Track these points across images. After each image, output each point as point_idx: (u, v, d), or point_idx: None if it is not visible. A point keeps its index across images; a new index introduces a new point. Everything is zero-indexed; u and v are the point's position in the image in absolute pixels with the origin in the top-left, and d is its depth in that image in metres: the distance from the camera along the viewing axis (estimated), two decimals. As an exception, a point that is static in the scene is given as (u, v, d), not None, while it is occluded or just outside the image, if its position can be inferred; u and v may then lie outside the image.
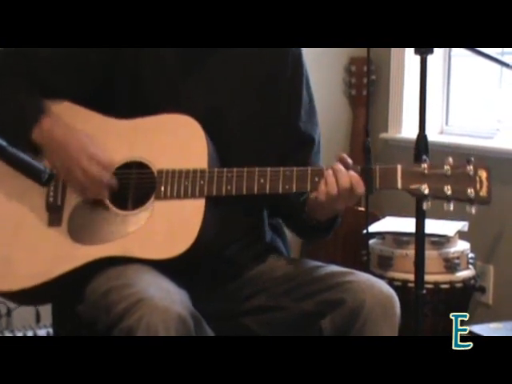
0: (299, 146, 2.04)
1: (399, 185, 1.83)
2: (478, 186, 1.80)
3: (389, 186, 1.84)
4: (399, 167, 1.83)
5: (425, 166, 1.82)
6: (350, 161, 1.86)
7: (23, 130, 1.90)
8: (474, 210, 1.81)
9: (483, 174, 1.81)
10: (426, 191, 1.81)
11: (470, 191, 1.79)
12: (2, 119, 1.93)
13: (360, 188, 1.83)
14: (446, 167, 1.81)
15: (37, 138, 1.90)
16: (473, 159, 1.82)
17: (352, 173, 1.83)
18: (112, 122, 1.97)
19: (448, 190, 1.80)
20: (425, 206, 1.84)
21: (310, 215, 1.97)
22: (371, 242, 3.29)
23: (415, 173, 1.82)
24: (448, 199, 1.80)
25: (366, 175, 1.83)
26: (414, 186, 1.82)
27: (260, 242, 2.09)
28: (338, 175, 1.83)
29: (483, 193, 1.80)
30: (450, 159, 1.82)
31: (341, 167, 1.84)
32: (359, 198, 1.90)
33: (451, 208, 1.81)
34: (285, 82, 2.06)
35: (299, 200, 1.99)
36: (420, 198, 1.83)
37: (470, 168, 1.80)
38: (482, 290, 3.38)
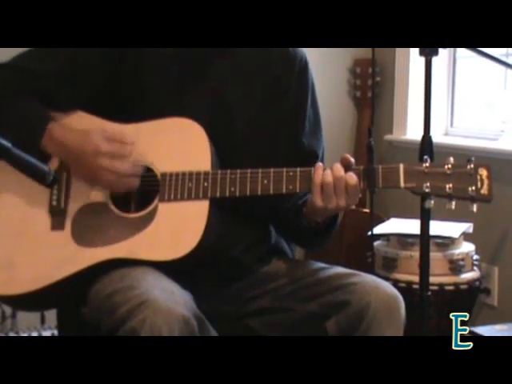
0: (302, 162, 2.00)
1: (401, 184, 1.84)
2: (478, 184, 1.82)
3: (391, 185, 1.85)
4: (402, 166, 1.85)
5: (426, 165, 1.84)
6: (352, 161, 1.86)
7: (33, 138, 1.89)
8: (475, 209, 1.83)
9: (484, 172, 1.83)
10: (428, 190, 1.83)
11: (471, 189, 1.82)
12: (9, 131, 1.91)
13: (355, 186, 1.83)
14: (447, 166, 1.83)
15: (47, 146, 1.90)
16: (473, 158, 1.84)
17: (351, 173, 1.84)
18: (115, 126, 1.97)
19: (449, 188, 1.82)
20: (427, 204, 1.87)
21: (309, 217, 1.96)
22: (376, 243, 3.29)
23: (417, 172, 1.84)
24: (450, 197, 1.83)
25: (369, 175, 1.84)
26: (415, 185, 1.84)
27: (265, 244, 2.09)
28: (334, 173, 1.83)
29: (484, 191, 1.82)
30: (451, 159, 1.85)
31: (338, 166, 1.84)
32: (360, 198, 1.89)
33: (453, 206, 1.83)
34: (290, 92, 2.06)
35: (297, 203, 1.99)
36: (422, 196, 1.86)
37: (471, 167, 1.83)
38: (487, 291, 3.39)
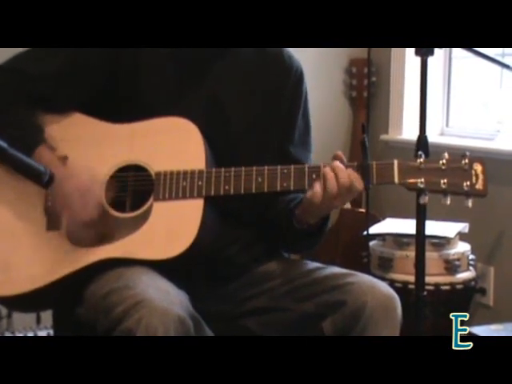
0: None
1: (396, 179, 1.84)
2: (473, 179, 1.82)
3: (386, 180, 1.85)
4: (396, 162, 1.85)
5: (421, 160, 1.84)
6: (344, 158, 1.86)
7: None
8: (470, 204, 1.83)
9: (478, 167, 1.83)
10: (422, 185, 1.83)
11: (466, 184, 1.82)
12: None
13: (359, 184, 1.82)
14: (442, 162, 1.83)
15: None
16: (468, 153, 1.84)
17: (350, 170, 1.83)
18: (110, 126, 1.97)
19: (444, 183, 1.82)
20: (421, 199, 1.87)
21: (301, 219, 1.95)
22: (372, 243, 3.29)
23: (411, 167, 1.84)
24: (444, 193, 1.83)
25: (363, 171, 1.83)
26: (410, 181, 1.84)
27: (261, 243, 2.09)
28: (337, 171, 1.83)
29: (479, 186, 1.82)
30: (446, 154, 1.85)
31: (339, 164, 1.84)
32: (357, 196, 1.89)
33: (448, 202, 1.83)
34: (284, 99, 2.06)
35: (289, 207, 1.98)
36: (417, 192, 1.86)
37: (465, 162, 1.83)
38: (483, 291, 3.39)
